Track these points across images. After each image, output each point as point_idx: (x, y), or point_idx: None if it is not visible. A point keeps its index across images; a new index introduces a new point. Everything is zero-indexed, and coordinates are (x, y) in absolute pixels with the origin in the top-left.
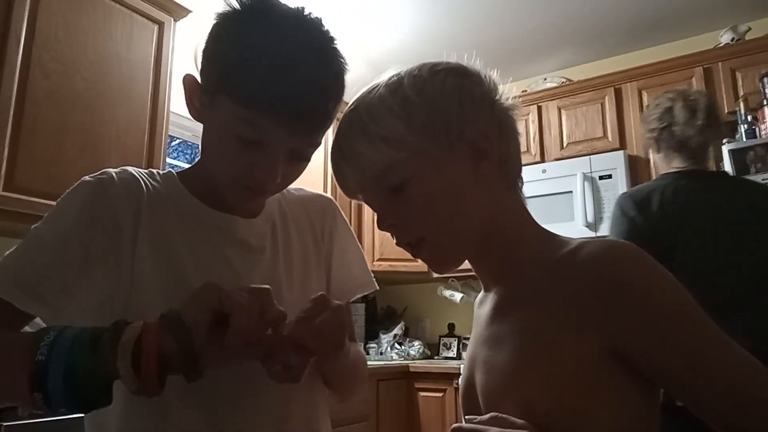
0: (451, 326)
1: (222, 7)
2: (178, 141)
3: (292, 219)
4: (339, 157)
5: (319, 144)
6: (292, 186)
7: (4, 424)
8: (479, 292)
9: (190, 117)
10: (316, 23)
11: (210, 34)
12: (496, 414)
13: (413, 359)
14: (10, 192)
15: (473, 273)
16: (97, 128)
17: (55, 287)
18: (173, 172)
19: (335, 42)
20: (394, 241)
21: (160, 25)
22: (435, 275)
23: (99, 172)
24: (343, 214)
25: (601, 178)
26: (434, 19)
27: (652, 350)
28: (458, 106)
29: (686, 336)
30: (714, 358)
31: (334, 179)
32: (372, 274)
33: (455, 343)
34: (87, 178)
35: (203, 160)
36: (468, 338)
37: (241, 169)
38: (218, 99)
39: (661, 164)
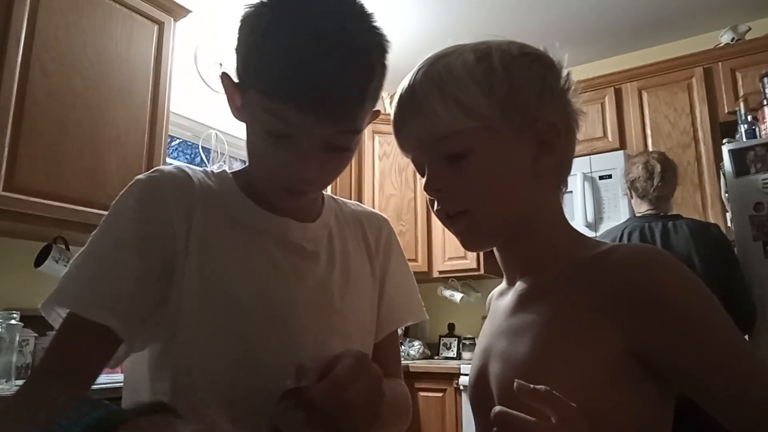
0: (451, 326)
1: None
2: (178, 141)
3: (348, 229)
4: (408, 107)
5: (358, 130)
6: (349, 201)
7: None
8: (479, 292)
9: (189, 117)
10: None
11: (238, 29)
12: (548, 389)
13: (413, 359)
14: (10, 192)
15: (473, 273)
16: (97, 128)
17: (124, 294)
18: (227, 171)
19: (365, 15)
20: (435, 207)
21: (160, 25)
22: (435, 275)
23: (152, 170)
24: (397, 237)
25: (601, 178)
26: (435, 21)
27: (676, 357)
28: (539, 94)
29: (711, 345)
30: (738, 370)
31: (393, 130)
32: (423, 304)
33: (455, 343)
34: (140, 176)
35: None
36: (468, 338)
37: (276, 169)
38: (248, 94)
39: (634, 207)
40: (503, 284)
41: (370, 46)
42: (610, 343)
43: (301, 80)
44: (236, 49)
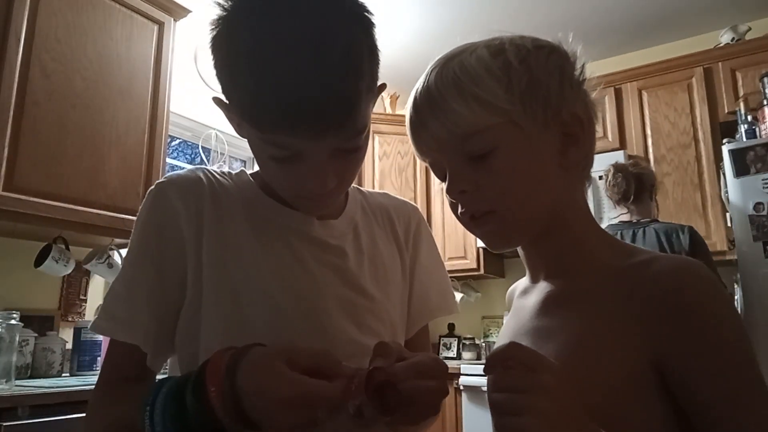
0: (451, 326)
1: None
2: (178, 141)
3: (376, 222)
4: (425, 108)
5: (362, 128)
6: (376, 191)
7: (4, 424)
8: (479, 292)
9: (189, 117)
10: None
11: (210, 52)
12: (536, 352)
13: None
14: (10, 192)
15: (473, 273)
16: (97, 128)
17: (139, 309)
18: (245, 170)
19: (341, 6)
20: (459, 210)
21: (160, 25)
22: None
23: (164, 176)
24: (428, 225)
25: (601, 178)
26: (435, 21)
27: (694, 375)
28: (559, 85)
29: (734, 375)
30: (751, 404)
31: (410, 134)
32: (455, 296)
33: (455, 343)
34: (153, 185)
35: None
36: (468, 338)
37: (289, 184)
38: (240, 121)
39: (608, 216)
40: (525, 281)
41: (352, 39)
42: (638, 353)
43: (286, 105)
44: (216, 74)
